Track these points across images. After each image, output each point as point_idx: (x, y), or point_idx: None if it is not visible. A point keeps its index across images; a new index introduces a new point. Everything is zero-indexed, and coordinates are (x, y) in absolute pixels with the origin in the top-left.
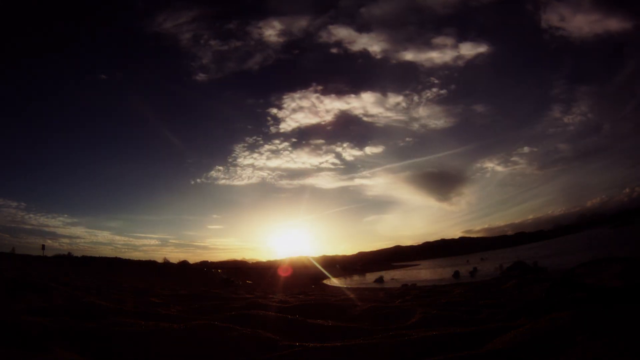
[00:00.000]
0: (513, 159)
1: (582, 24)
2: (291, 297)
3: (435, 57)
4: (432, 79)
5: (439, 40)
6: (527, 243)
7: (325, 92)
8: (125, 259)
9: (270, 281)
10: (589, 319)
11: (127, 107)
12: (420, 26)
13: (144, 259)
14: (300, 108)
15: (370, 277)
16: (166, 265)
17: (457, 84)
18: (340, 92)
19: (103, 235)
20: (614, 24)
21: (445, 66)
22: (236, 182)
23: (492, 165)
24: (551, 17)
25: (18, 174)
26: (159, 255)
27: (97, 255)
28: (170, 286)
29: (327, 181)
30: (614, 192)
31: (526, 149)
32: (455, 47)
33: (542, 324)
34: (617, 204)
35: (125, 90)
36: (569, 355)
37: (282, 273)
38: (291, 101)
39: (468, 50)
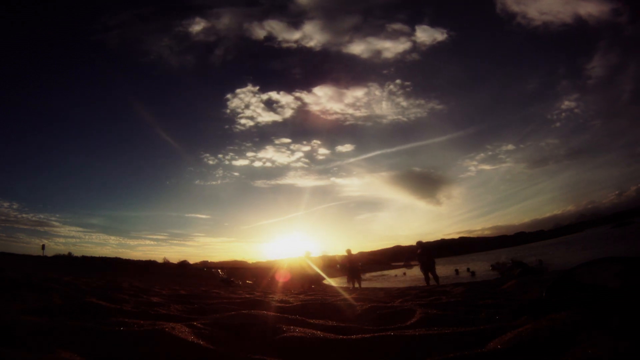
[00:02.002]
0: (500, 156)
1: (549, 8)
2: (291, 297)
3: (390, 47)
4: (392, 70)
5: (392, 27)
6: (527, 243)
7: (269, 89)
8: (125, 259)
9: (271, 281)
10: (589, 319)
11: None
12: (366, 14)
13: (143, 259)
14: (247, 106)
15: (371, 277)
16: (166, 265)
17: (422, 76)
18: (288, 88)
19: (97, 235)
20: (590, 8)
21: (403, 56)
22: (211, 182)
23: (476, 164)
24: (507, 0)
25: (7, 175)
26: (153, 255)
27: (96, 256)
28: (170, 286)
29: (303, 180)
30: (611, 191)
31: (510, 147)
32: (410, 34)
33: (542, 324)
34: (616, 204)
35: (91, 89)
36: (570, 355)
37: (281, 279)
38: (235, 98)
39: (425, 36)
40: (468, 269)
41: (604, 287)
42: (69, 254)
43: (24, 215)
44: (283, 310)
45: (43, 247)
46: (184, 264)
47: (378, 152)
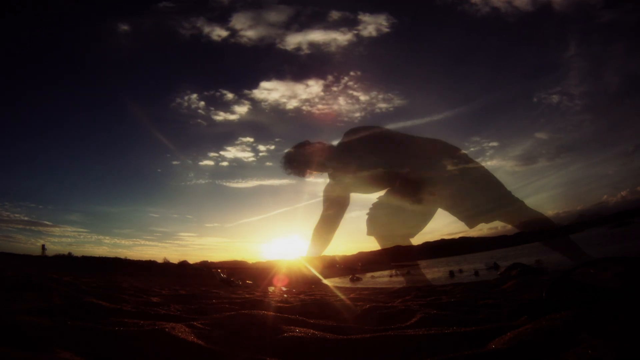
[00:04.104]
0: (488, 153)
1: None
2: (291, 297)
3: (333, 38)
4: (340, 63)
5: (330, 18)
6: (527, 243)
7: (209, 88)
8: (125, 259)
9: (271, 282)
10: (589, 319)
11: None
12: (301, 3)
13: (143, 259)
14: (190, 106)
15: (370, 277)
16: (166, 265)
17: (376, 68)
18: (230, 87)
19: (92, 235)
20: None
21: (350, 48)
22: (186, 183)
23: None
24: None
25: None
26: (150, 255)
27: (95, 255)
28: (170, 286)
29: (275, 180)
30: (609, 191)
31: (495, 143)
32: (353, 23)
33: (542, 324)
34: (616, 204)
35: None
36: (570, 356)
37: (279, 283)
38: (177, 98)
39: (369, 26)
40: (461, 270)
41: (604, 287)
42: (69, 254)
43: (16, 215)
44: (283, 311)
45: (43, 247)
46: (184, 264)
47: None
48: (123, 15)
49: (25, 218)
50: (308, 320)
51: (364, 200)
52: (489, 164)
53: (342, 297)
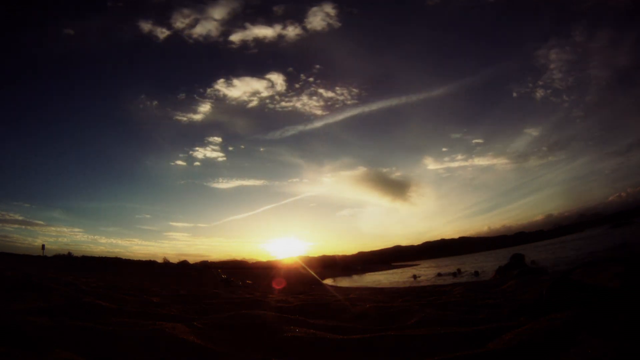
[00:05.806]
0: (476, 150)
1: None
2: (292, 297)
3: (283, 33)
4: (294, 57)
5: (275, 13)
6: (527, 243)
7: (165, 88)
8: (125, 259)
9: (271, 282)
10: (589, 319)
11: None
12: None
13: (143, 259)
14: (148, 106)
15: (370, 277)
16: (166, 265)
17: (341, 60)
18: (186, 87)
19: (88, 236)
20: None
21: (302, 41)
22: (167, 183)
23: (434, 159)
24: None
25: None
26: (148, 255)
27: (95, 255)
28: (170, 286)
29: (251, 180)
30: (609, 191)
31: (480, 140)
32: (299, 18)
33: (542, 324)
34: (616, 204)
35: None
36: (569, 355)
37: (277, 286)
38: (134, 100)
39: (318, 20)
40: (458, 270)
41: (604, 288)
42: (69, 253)
43: (11, 214)
44: (283, 311)
45: (43, 247)
46: (184, 264)
47: (339, 159)
48: (67, 18)
49: (20, 218)
50: (308, 320)
51: (358, 199)
52: (477, 162)
53: (342, 297)
